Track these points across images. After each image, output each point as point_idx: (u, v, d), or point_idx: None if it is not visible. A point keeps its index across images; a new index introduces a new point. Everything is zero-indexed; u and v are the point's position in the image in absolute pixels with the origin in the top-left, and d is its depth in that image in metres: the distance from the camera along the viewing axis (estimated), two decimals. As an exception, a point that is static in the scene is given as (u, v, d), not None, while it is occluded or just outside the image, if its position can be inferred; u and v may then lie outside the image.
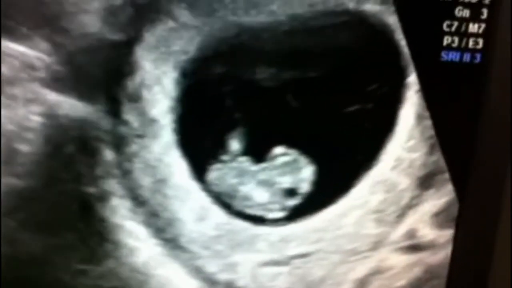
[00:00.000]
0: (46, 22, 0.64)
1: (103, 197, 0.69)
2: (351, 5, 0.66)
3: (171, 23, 0.65)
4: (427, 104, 0.70)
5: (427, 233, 0.74)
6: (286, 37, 0.67)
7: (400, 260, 0.74)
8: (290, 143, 0.70)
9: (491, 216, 0.74)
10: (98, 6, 0.64)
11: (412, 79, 0.69)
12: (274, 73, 0.68)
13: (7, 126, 0.66)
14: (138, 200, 0.69)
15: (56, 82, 0.66)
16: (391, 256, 0.74)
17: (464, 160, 0.72)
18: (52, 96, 0.66)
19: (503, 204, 0.74)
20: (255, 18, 0.66)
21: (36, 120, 0.67)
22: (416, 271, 0.75)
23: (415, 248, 0.74)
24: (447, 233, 0.74)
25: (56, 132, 0.67)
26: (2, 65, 0.65)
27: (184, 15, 0.65)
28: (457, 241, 0.74)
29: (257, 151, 0.70)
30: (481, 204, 0.73)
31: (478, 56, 0.69)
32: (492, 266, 0.75)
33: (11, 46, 0.65)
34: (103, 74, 0.66)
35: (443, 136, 0.72)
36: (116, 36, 0.65)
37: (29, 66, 0.66)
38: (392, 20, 0.67)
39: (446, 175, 0.72)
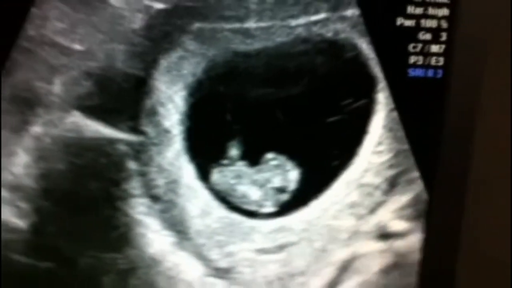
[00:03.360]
0: (80, 57, 0.73)
1: (125, 196, 0.77)
2: (328, 35, 0.75)
3: (181, 51, 0.74)
4: (397, 113, 0.78)
5: (396, 224, 0.81)
6: (274, 61, 0.75)
7: (373, 247, 0.82)
8: (279, 150, 0.78)
9: (457, 208, 0.81)
10: (122, 41, 0.73)
11: (382, 93, 0.78)
12: (265, 91, 0.76)
13: (44, 139, 0.75)
14: (153, 198, 0.78)
15: (85, 105, 0.75)
16: (365, 244, 0.82)
17: (431, 160, 0.80)
18: (79, 118, 0.75)
19: (467, 197, 0.81)
20: (250, 46, 0.75)
21: (68, 136, 0.76)
22: (388, 257, 0.82)
23: (386, 237, 0.82)
24: (414, 225, 0.81)
25: (85, 145, 0.76)
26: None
27: (191, 44, 0.74)
28: (428, 230, 0.81)
29: (252, 156, 0.78)
30: (448, 197, 0.80)
31: (440, 72, 0.77)
32: (460, 252, 0.82)
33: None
34: (127, 95, 0.75)
35: (411, 140, 0.79)
36: (137, 64, 0.74)
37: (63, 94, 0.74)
38: (364, 45, 0.76)
39: (412, 175, 0.80)
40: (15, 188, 0.76)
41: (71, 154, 0.76)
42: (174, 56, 0.75)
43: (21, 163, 0.76)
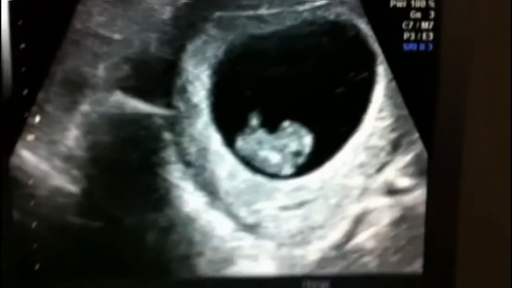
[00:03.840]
0: (120, 45, 0.79)
1: (162, 163, 0.81)
2: (331, 17, 0.79)
3: (204, 37, 0.79)
4: (395, 83, 0.81)
5: (401, 181, 0.85)
6: (285, 42, 0.80)
7: (382, 202, 0.85)
8: (294, 118, 0.82)
9: (455, 163, 0.84)
10: (154, 30, 0.79)
11: (381, 66, 0.81)
12: (278, 68, 0.80)
13: (91, 116, 0.80)
14: (187, 164, 0.82)
15: (125, 86, 0.80)
16: (375, 200, 0.85)
17: (428, 122, 0.83)
18: (120, 96, 0.80)
19: (463, 152, 0.84)
20: (263, 30, 0.79)
21: (111, 112, 0.81)
22: (396, 211, 0.85)
23: (393, 193, 0.85)
24: (417, 181, 0.84)
25: (126, 120, 0.81)
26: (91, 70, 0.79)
27: (213, 31, 0.79)
28: (430, 184, 0.84)
29: (270, 125, 0.82)
30: (445, 154, 0.84)
31: (431, 45, 0.81)
32: (460, 202, 0.85)
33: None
34: (160, 76, 0.80)
35: (409, 106, 0.82)
36: (167, 49, 0.79)
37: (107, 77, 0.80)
38: (363, 25, 0.80)
39: (412, 137, 0.83)
40: (68, 158, 0.81)
41: (114, 127, 0.81)
42: (198, 41, 0.80)
43: (72, 137, 0.81)
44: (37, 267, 0.83)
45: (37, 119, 0.80)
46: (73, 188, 0.82)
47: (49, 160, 0.81)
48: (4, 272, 0.82)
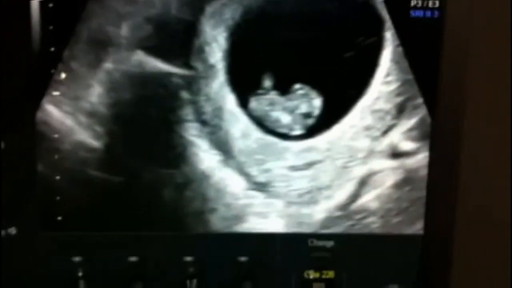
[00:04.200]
0: (142, 5, 0.81)
1: (179, 120, 0.84)
2: None
3: (222, 0, 0.81)
4: (402, 48, 0.83)
5: (405, 144, 0.87)
6: (298, 7, 0.81)
7: (387, 165, 0.87)
8: (305, 81, 0.84)
9: (456, 128, 0.85)
10: None
11: (389, 32, 0.82)
12: (291, 32, 0.82)
13: (114, 74, 0.82)
14: (202, 122, 0.84)
15: (146, 45, 0.82)
16: (380, 162, 0.87)
17: (432, 87, 0.84)
18: (141, 56, 0.82)
19: (464, 118, 0.85)
20: None
21: (133, 71, 0.83)
22: (400, 173, 0.87)
23: (397, 155, 0.87)
24: (421, 144, 0.86)
25: (147, 78, 0.83)
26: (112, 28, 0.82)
27: None
28: (432, 148, 0.86)
29: (282, 87, 0.84)
30: (448, 118, 0.85)
31: (437, 12, 0.82)
32: (460, 166, 0.86)
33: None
34: (180, 36, 0.81)
35: (415, 71, 0.84)
36: (187, 10, 0.81)
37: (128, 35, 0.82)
38: None
39: (416, 101, 0.85)
40: (91, 114, 0.83)
41: (135, 85, 0.83)
42: (217, 3, 0.82)
43: (96, 94, 0.83)
44: (59, 218, 0.86)
45: (63, 75, 0.82)
46: (95, 143, 0.84)
47: (73, 116, 0.83)
48: (27, 222, 0.86)
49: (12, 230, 0.85)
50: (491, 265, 0.90)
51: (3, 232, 0.85)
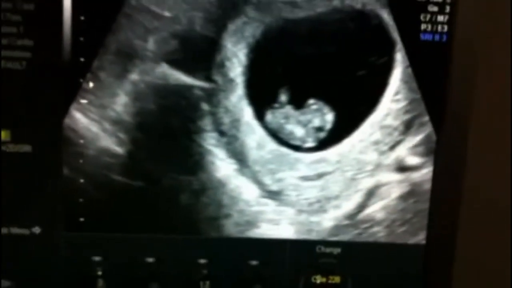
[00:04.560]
0: (169, 21, 0.83)
1: (198, 130, 0.86)
2: (358, 6, 0.83)
3: (244, 18, 0.83)
4: (411, 69, 0.85)
5: (411, 159, 0.89)
6: (315, 26, 0.83)
7: (393, 178, 0.89)
8: (319, 96, 0.86)
9: (461, 146, 0.88)
10: (200, 10, 0.82)
11: (399, 53, 0.85)
12: (308, 50, 0.84)
13: (139, 85, 0.84)
14: (220, 133, 0.86)
15: (170, 59, 0.84)
16: (386, 175, 0.89)
17: (439, 106, 0.86)
18: (166, 68, 0.84)
19: (469, 137, 0.87)
20: (296, 15, 0.83)
21: (157, 82, 0.84)
22: (405, 186, 0.89)
23: (403, 169, 0.89)
24: (426, 159, 0.88)
25: (170, 90, 0.85)
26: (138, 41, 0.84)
27: (252, 13, 0.83)
28: (436, 164, 0.89)
29: (297, 101, 0.86)
30: (453, 137, 0.87)
31: (445, 36, 0.85)
32: (464, 181, 0.88)
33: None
34: (202, 51, 0.83)
35: (422, 91, 0.86)
36: (211, 27, 0.83)
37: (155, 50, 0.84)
38: (385, 15, 0.84)
39: (423, 119, 0.87)
40: (116, 122, 0.85)
41: (159, 96, 0.85)
42: (239, 21, 0.84)
43: (121, 103, 0.85)
44: (81, 219, 0.87)
45: (91, 84, 0.84)
46: (118, 149, 0.86)
47: (99, 123, 0.85)
48: (51, 222, 0.88)
49: (37, 229, 0.88)
50: (491, 276, 0.93)
51: (27, 231, 0.88)
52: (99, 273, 0.89)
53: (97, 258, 0.89)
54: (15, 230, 0.87)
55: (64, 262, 0.88)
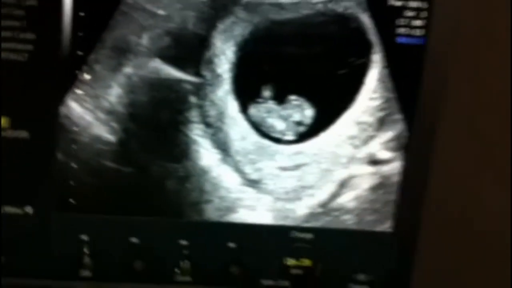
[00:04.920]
0: (162, 19, 0.85)
1: (186, 121, 0.88)
2: (339, 10, 0.86)
3: (233, 18, 0.85)
4: (388, 70, 0.88)
5: (383, 154, 0.92)
6: (299, 28, 0.85)
7: (365, 170, 0.93)
8: (300, 93, 0.89)
9: (429, 143, 0.91)
10: (193, 9, 0.84)
11: (377, 55, 0.87)
12: (292, 49, 0.86)
13: (133, 78, 0.86)
14: (206, 124, 0.88)
15: (163, 54, 0.86)
16: (359, 168, 0.92)
17: (411, 106, 0.89)
18: (158, 63, 0.86)
19: (437, 135, 0.90)
20: (283, 16, 0.85)
21: (149, 76, 0.86)
22: (376, 178, 0.93)
23: (374, 163, 0.92)
24: (396, 154, 0.92)
25: (161, 83, 0.87)
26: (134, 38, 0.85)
27: (241, 14, 0.85)
28: (406, 159, 0.92)
29: (279, 97, 0.88)
30: (422, 134, 0.90)
31: (421, 40, 0.87)
32: (429, 176, 0.92)
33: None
34: (193, 48, 0.85)
35: (397, 90, 0.89)
36: (202, 26, 0.85)
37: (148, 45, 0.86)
38: (365, 19, 0.86)
39: (396, 117, 0.89)
40: (109, 112, 0.87)
41: (150, 89, 0.87)
42: (228, 21, 0.85)
43: (115, 94, 0.87)
44: (72, 201, 0.90)
45: (87, 76, 0.85)
46: (110, 137, 0.88)
47: (93, 112, 0.87)
48: (43, 202, 0.91)
49: (29, 209, 0.92)
50: (450, 260, 0.98)
51: (20, 210, 0.92)
52: (86, 251, 0.91)
53: (85, 237, 0.91)
54: (9, 209, 0.89)
55: (54, 240, 0.90)
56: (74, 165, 0.89)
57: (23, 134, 0.86)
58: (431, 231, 0.95)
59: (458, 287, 0.98)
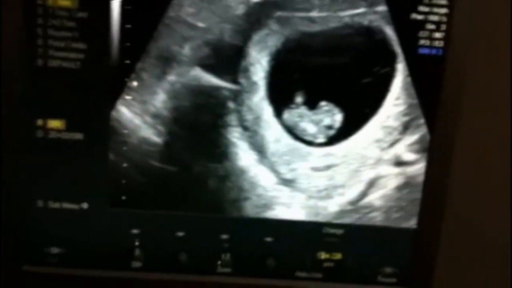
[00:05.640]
0: (202, 31, 0.82)
1: (225, 125, 0.86)
2: (365, 23, 0.83)
3: (267, 30, 0.83)
4: (410, 78, 0.85)
5: (407, 155, 0.88)
6: (328, 39, 0.83)
7: (391, 171, 0.89)
8: (330, 99, 0.86)
9: (449, 145, 0.87)
10: (230, 22, 0.82)
11: (400, 64, 0.84)
12: (321, 59, 0.83)
13: (176, 85, 0.84)
14: (244, 128, 0.86)
15: (203, 63, 0.83)
16: (385, 168, 0.89)
17: (433, 111, 0.86)
18: (198, 71, 0.84)
19: (458, 138, 0.86)
20: (312, 29, 0.83)
21: (191, 83, 0.84)
22: (402, 178, 0.89)
23: (400, 164, 0.88)
24: (420, 156, 0.88)
25: (202, 90, 0.84)
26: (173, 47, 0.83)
27: (274, 26, 0.83)
28: (429, 160, 0.88)
29: (311, 103, 0.85)
30: (444, 137, 0.87)
31: (440, 51, 0.84)
32: (451, 176, 0.88)
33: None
34: (230, 58, 0.83)
35: (419, 97, 0.85)
36: (238, 37, 0.83)
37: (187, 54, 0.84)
38: (389, 31, 0.83)
39: (419, 121, 0.86)
40: (155, 116, 0.85)
41: (192, 95, 0.85)
42: (262, 33, 0.83)
43: (160, 100, 0.85)
44: (124, 197, 0.88)
45: (135, 83, 0.84)
46: (157, 139, 0.86)
47: (140, 116, 0.85)
48: (97, 199, 0.89)
49: (85, 205, 0.90)
50: (470, 256, 0.95)
51: (76, 206, 0.90)
52: (137, 243, 0.90)
53: (135, 231, 0.89)
54: (66, 205, 0.88)
55: (107, 234, 0.89)
56: (124, 164, 0.87)
57: (77, 136, 0.85)
58: (453, 227, 0.92)
59: (477, 279, 0.97)
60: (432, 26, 0.84)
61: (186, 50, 0.83)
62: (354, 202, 0.90)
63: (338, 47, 0.83)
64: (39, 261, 0.88)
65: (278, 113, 0.86)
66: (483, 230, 0.95)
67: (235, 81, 0.84)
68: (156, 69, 0.83)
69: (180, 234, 0.90)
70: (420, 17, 0.83)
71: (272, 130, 0.87)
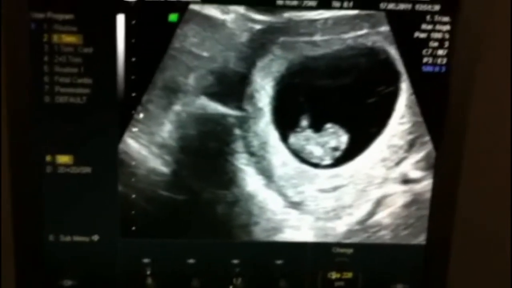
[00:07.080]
0: (206, 60, 0.82)
1: (232, 152, 0.85)
2: (369, 44, 0.82)
3: (271, 56, 0.82)
4: (415, 96, 0.84)
5: (414, 173, 0.88)
6: (332, 62, 0.82)
7: (398, 189, 0.88)
8: (335, 121, 0.85)
9: (455, 162, 0.87)
10: (234, 49, 0.82)
11: (404, 83, 0.83)
12: (326, 81, 0.83)
13: (182, 114, 0.83)
14: (251, 154, 0.86)
15: (208, 92, 0.83)
16: (392, 187, 0.88)
17: (438, 128, 0.85)
18: (204, 100, 0.84)
19: (464, 155, 0.86)
20: (316, 52, 0.82)
21: (197, 112, 0.83)
22: (409, 196, 0.88)
23: (407, 181, 0.88)
24: (426, 173, 0.87)
25: (208, 118, 0.84)
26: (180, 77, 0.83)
27: (278, 51, 0.82)
28: (435, 177, 0.88)
29: (316, 126, 0.85)
30: (449, 155, 0.86)
31: (444, 68, 0.83)
32: (458, 192, 0.87)
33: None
34: (235, 85, 0.83)
35: (424, 115, 0.85)
36: (242, 64, 0.82)
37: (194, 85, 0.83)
38: (393, 51, 0.83)
39: (424, 139, 0.85)
40: (162, 146, 0.85)
41: (198, 124, 0.84)
42: (266, 59, 0.83)
43: (166, 130, 0.84)
44: (134, 228, 0.87)
45: (141, 115, 0.83)
46: (164, 169, 0.85)
47: (148, 147, 0.84)
48: (108, 230, 0.88)
49: (95, 237, 0.89)
50: (482, 272, 0.92)
51: (87, 239, 0.89)
52: (148, 272, 0.89)
53: (146, 260, 0.88)
54: (77, 238, 0.87)
55: (119, 264, 0.88)
56: (133, 195, 0.86)
57: (86, 169, 0.84)
58: (462, 243, 0.90)
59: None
60: (435, 44, 0.83)
61: (191, 79, 0.82)
62: (363, 222, 0.89)
63: (342, 69, 0.83)
64: (53, 294, 0.83)
65: (284, 138, 0.85)
66: (496, 243, 0.92)
67: (240, 108, 0.84)
68: (162, 100, 0.82)
69: (192, 261, 0.88)
70: (422, 35, 0.82)
71: (278, 154, 0.86)
